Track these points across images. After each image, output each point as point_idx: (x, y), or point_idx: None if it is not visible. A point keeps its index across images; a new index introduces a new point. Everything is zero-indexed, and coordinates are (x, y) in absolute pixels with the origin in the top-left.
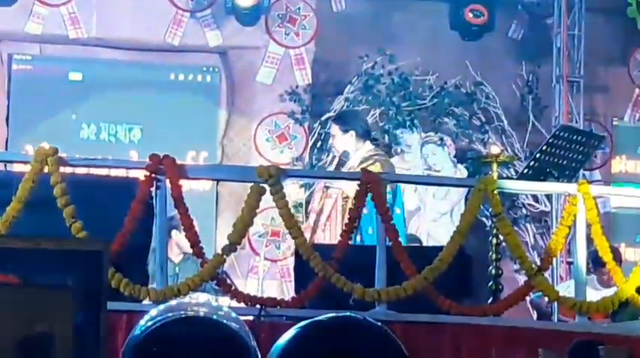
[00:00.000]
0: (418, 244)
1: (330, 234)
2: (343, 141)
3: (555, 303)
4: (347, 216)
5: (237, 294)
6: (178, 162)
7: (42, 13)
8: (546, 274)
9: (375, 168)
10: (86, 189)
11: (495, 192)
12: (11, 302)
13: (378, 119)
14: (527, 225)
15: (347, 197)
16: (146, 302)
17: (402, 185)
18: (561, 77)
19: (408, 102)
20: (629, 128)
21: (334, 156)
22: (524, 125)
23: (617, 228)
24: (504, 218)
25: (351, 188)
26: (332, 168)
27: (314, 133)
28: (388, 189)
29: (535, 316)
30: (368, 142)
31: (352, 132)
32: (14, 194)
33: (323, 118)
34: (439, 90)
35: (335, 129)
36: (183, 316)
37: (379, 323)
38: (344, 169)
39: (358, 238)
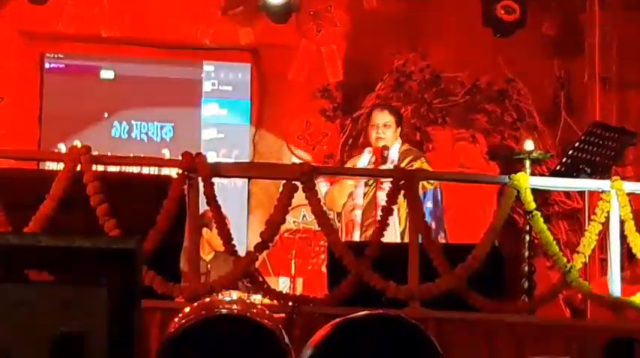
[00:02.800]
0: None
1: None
2: (394, 134)
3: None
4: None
5: (269, 292)
6: (210, 160)
7: (74, 11)
8: (579, 271)
9: (422, 164)
10: (119, 187)
11: (528, 189)
12: (45, 300)
13: (410, 116)
14: (560, 222)
15: None
16: (179, 299)
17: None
18: (594, 73)
19: (440, 99)
20: None
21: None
22: (556, 122)
23: None
24: (537, 215)
25: None
26: (365, 158)
27: (346, 130)
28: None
29: (569, 313)
30: (399, 138)
31: (399, 128)
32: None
33: (355, 115)
34: (471, 87)
35: (391, 120)
36: (217, 314)
37: (413, 321)
38: (388, 164)
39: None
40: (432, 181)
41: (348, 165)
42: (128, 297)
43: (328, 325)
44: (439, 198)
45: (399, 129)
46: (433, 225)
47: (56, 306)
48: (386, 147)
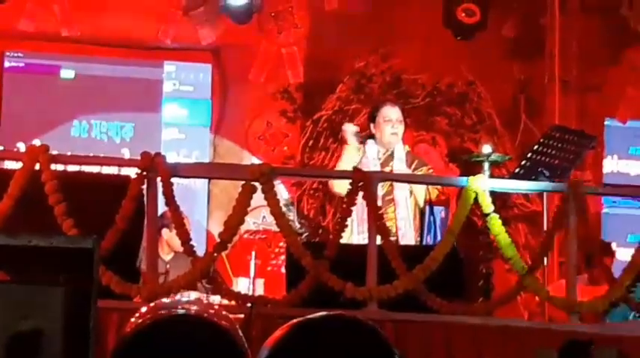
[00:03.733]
0: None
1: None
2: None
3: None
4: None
5: (227, 293)
6: (169, 160)
7: (35, 10)
8: (537, 273)
9: (428, 170)
10: (77, 187)
11: (486, 191)
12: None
13: (369, 118)
14: (519, 225)
15: None
16: (136, 300)
17: None
18: (553, 77)
19: (400, 101)
20: (620, 128)
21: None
22: (516, 125)
23: (608, 228)
24: (495, 217)
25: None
26: (379, 153)
27: (306, 132)
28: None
29: (527, 315)
30: None
31: None
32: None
33: (315, 117)
34: (431, 89)
35: (402, 116)
36: (173, 314)
37: (370, 322)
38: (396, 159)
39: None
40: (442, 191)
41: (349, 152)
42: (85, 297)
43: (285, 326)
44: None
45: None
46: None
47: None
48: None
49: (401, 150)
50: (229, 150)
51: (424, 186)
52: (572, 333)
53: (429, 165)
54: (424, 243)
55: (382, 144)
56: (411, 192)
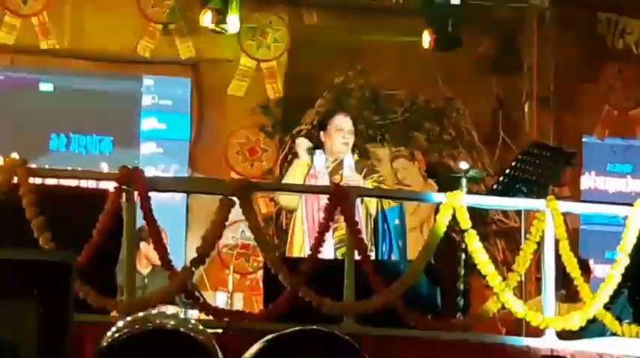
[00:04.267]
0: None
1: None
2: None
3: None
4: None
5: (205, 307)
6: (148, 174)
7: (13, 23)
8: (515, 290)
9: (379, 178)
10: (55, 200)
11: (464, 207)
12: None
13: None
14: (497, 241)
15: None
16: (114, 314)
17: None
18: (532, 93)
19: (379, 116)
20: (598, 144)
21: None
22: (494, 141)
23: (586, 244)
24: (472, 233)
25: None
26: (328, 162)
27: (285, 147)
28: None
29: (504, 331)
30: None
31: None
32: None
33: (294, 131)
34: (410, 105)
35: (350, 124)
36: (150, 328)
37: (346, 337)
38: (345, 167)
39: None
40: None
41: (299, 165)
42: (60, 311)
43: (261, 341)
44: (404, 214)
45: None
46: (401, 244)
47: None
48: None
49: (350, 158)
50: (208, 164)
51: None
52: (550, 350)
53: (380, 172)
54: (380, 251)
55: (331, 153)
56: (362, 200)
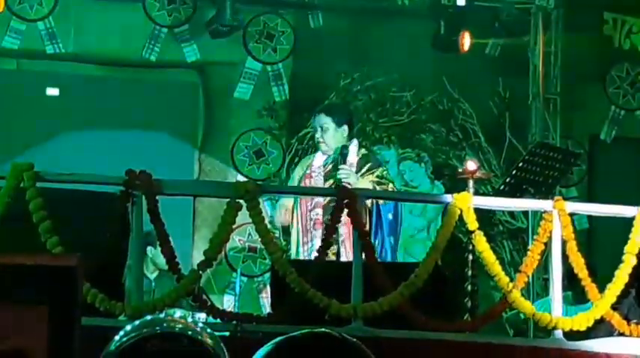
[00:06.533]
0: None
1: None
2: (336, 136)
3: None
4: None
5: (213, 310)
6: (154, 177)
7: (19, 28)
8: (522, 291)
9: (382, 172)
10: (62, 204)
11: (471, 208)
12: None
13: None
14: (504, 242)
15: None
16: (122, 317)
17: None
18: (538, 94)
19: (385, 118)
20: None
21: (311, 147)
22: (501, 142)
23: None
24: (480, 234)
25: None
26: (319, 158)
27: (291, 149)
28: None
29: (511, 333)
30: (355, 140)
31: (345, 127)
32: None
33: (300, 134)
34: (416, 106)
35: (328, 122)
36: (157, 332)
37: (354, 340)
38: (346, 165)
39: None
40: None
41: (301, 164)
42: (68, 315)
43: (269, 343)
44: (399, 210)
45: (343, 129)
46: (392, 241)
47: None
48: (345, 147)
49: (353, 154)
50: (215, 167)
51: (369, 184)
52: (557, 350)
53: (384, 166)
54: None
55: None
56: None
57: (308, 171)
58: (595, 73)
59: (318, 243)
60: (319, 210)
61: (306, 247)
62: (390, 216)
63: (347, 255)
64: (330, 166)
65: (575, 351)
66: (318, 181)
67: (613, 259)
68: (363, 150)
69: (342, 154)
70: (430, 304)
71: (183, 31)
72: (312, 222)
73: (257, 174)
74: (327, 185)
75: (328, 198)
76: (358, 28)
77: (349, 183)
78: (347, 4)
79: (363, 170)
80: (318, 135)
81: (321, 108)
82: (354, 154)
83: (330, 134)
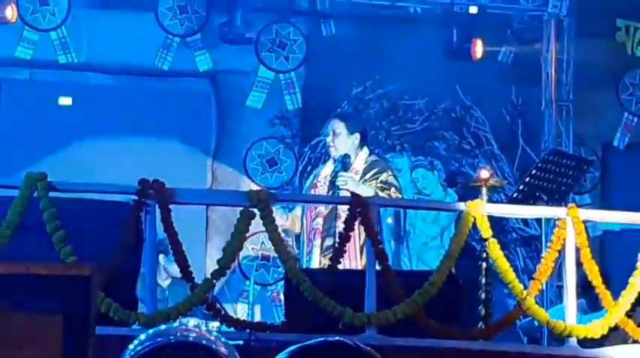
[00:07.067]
0: None
1: None
2: (347, 142)
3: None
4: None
5: (226, 319)
6: (167, 186)
7: (32, 38)
8: (536, 298)
9: (389, 177)
10: (76, 214)
11: (484, 216)
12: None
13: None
14: (518, 249)
15: None
16: (135, 326)
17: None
18: (551, 101)
19: (398, 126)
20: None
21: (324, 155)
22: (514, 149)
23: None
24: (494, 242)
25: None
26: (328, 168)
27: (304, 157)
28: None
29: (525, 340)
30: (365, 148)
31: (357, 135)
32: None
33: (313, 142)
34: (429, 114)
35: (341, 127)
36: (172, 341)
37: (368, 348)
38: (349, 172)
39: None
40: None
41: (314, 173)
42: (82, 323)
43: (283, 352)
44: (401, 215)
45: (355, 137)
46: (393, 246)
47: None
48: (346, 156)
49: (360, 161)
50: (227, 176)
51: (371, 190)
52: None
53: (389, 170)
54: None
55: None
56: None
57: (315, 181)
58: (608, 79)
59: (316, 251)
60: (319, 220)
61: (308, 257)
62: (390, 221)
63: (344, 261)
64: (333, 175)
65: None
66: (322, 191)
67: (627, 266)
68: (373, 157)
69: (342, 162)
70: (444, 312)
71: (196, 40)
72: (313, 232)
73: (270, 183)
74: (329, 194)
75: (330, 208)
76: (370, 36)
77: (348, 191)
78: (359, 12)
79: (368, 176)
80: (329, 139)
81: (336, 114)
82: (360, 161)
83: (341, 139)
